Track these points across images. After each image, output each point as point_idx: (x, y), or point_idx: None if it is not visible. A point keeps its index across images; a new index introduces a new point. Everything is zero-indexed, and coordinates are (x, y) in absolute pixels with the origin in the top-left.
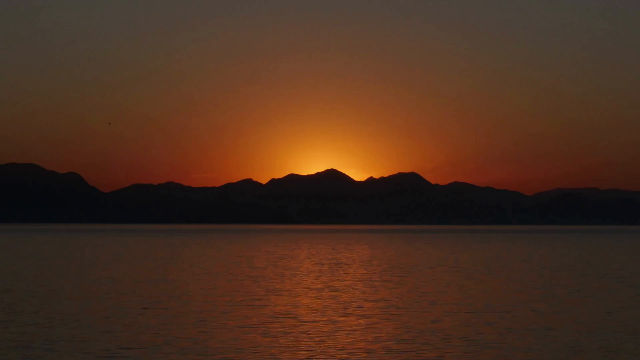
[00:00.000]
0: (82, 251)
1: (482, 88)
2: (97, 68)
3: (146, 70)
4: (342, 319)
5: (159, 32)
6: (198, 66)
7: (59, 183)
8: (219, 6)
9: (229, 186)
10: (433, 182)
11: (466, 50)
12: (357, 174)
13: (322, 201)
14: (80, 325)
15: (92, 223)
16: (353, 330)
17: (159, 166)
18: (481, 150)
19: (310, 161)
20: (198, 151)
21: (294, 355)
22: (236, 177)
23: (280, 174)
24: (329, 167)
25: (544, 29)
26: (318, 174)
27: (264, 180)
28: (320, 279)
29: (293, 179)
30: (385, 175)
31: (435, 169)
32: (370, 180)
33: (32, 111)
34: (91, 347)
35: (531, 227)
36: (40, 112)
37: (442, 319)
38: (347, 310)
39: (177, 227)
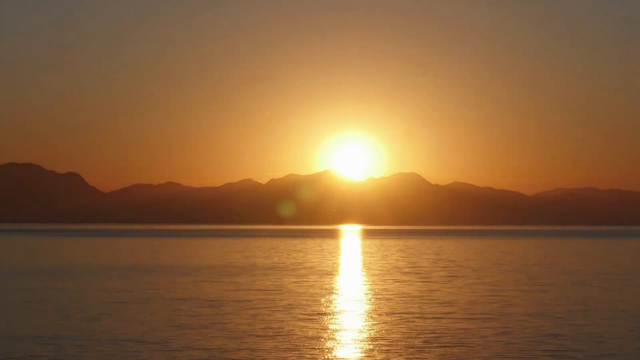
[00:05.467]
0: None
1: (481, 89)
2: (97, 68)
3: (146, 70)
4: None
5: (157, 33)
6: (198, 67)
7: (59, 183)
8: (218, 5)
9: (229, 186)
10: (433, 182)
11: (465, 52)
12: (357, 174)
13: (323, 201)
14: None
15: (91, 223)
16: None
17: (159, 166)
18: (481, 150)
19: (310, 161)
20: (198, 151)
21: None
22: (236, 177)
23: (280, 174)
24: (329, 167)
25: (539, 32)
26: (318, 174)
27: (264, 180)
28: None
29: (293, 179)
30: (385, 175)
31: (435, 169)
32: (370, 180)
33: (32, 111)
34: None
35: (531, 227)
36: (40, 112)
37: None
38: None
39: (178, 228)
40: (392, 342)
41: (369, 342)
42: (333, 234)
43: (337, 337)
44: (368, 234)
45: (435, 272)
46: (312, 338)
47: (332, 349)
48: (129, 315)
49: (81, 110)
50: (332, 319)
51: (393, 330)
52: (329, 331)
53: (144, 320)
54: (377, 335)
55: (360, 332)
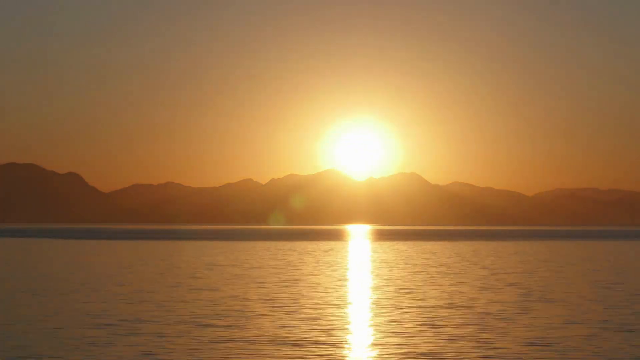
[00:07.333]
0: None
1: (482, 90)
2: (97, 68)
3: (146, 71)
4: None
5: (158, 34)
6: (198, 67)
7: (59, 183)
8: (217, 6)
9: (229, 186)
10: (433, 182)
11: (466, 53)
12: (357, 174)
13: (322, 201)
14: None
15: (91, 223)
16: None
17: (159, 166)
18: (481, 150)
19: (310, 161)
20: (198, 151)
21: None
22: (236, 177)
23: (280, 174)
24: (329, 167)
25: (537, 38)
26: (318, 173)
27: (264, 180)
28: None
29: (293, 179)
30: (385, 175)
31: (435, 169)
32: (371, 180)
33: (32, 111)
34: None
35: (531, 227)
36: (40, 112)
37: None
38: None
39: (179, 228)
40: None
41: None
42: (340, 235)
43: None
44: (380, 237)
45: None
46: None
47: None
48: None
49: (81, 110)
50: None
51: None
52: None
53: None
54: None
55: None
